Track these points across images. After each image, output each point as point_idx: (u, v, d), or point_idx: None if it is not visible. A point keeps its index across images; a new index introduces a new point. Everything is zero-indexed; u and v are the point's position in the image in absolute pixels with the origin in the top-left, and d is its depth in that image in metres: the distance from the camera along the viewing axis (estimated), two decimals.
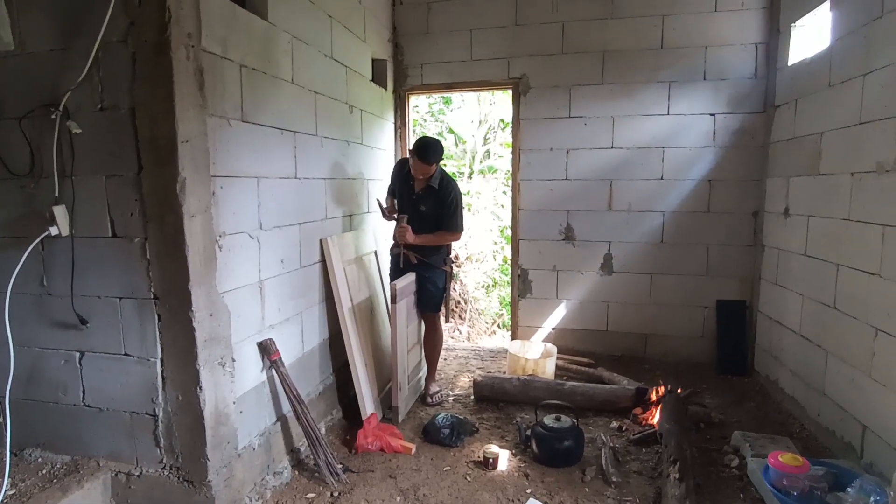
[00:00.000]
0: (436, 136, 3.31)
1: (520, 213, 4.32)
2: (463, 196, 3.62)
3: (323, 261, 3.09)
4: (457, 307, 5.57)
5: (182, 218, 1.96)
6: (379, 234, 3.94)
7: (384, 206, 3.49)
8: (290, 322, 2.76)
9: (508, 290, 6.57)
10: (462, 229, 3.46)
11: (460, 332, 5.36)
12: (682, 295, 4.08)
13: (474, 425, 3.17)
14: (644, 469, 2.73)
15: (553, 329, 4.35)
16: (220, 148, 2.16)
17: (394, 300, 3.13)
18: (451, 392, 3.74)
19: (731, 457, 2.78)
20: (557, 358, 3.88)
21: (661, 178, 4.03)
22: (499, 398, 3.51)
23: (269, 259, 2.54)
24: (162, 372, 2.11)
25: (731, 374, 3.91)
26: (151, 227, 2.01)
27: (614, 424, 3.20)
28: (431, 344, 3.62)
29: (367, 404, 3.11)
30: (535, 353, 3.98)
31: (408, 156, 3.49)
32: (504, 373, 4.02)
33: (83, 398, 2.21)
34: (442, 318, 3.70)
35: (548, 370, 3.69)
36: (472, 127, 8.45)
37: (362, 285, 3.47)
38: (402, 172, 3.43)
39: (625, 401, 3.34)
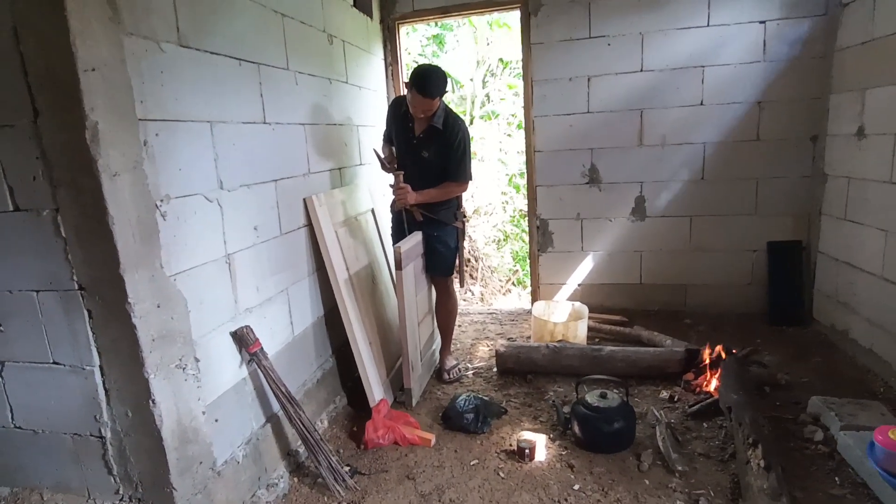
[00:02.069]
0: (437, 65, 2.70)
1: (535, 155, 3.75)
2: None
3: (309, 224, 2.57)
4: (468, 265, 5.07)
5: (100, 178, 1.42)
6: (375, 189, 3.39)
7: (383, 156, 2.91)
8: (274, 302, 2.26)
9: (521, 244, 6.07)
10: (470, 178, 2.92)
11: (473, 293, 4.89)
12: (726, 238, 3.56)
13: (501, 405, 2.72)
14: (711, 450, 2.28)
15: (579, 285, 3.86)
16: (150, 81, 1.60)
17: (398, 266, 2.62)
18: (469, 365, 3.29)
19: (812, 428, 2.33)
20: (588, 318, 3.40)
21: (701, 104, 3.43)
22: (526, 370, 3.05)
23: (238, 226, 2.02)
24: (103, 383, 1.62)
25: (786, 324, 3.43)
26: (62, 193, 1.48)
27: (664, 394, 2.75)
28: (445, 312, 3.14)
29: (375, 389, 2.65)
30: (563, 315, 3.50)
31: (404, 92, 2.90)
32: (528, 339, 3.56)
33: (12, 419, 1.74)
34: (456, 283, 3.21)
35: (579, 334, 3.22)
36: (470, 69, 7.73)
37: (360, 250, 2.95)
38: (398, 113, 2.85)
39: (673, 365, 2.87)
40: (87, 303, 1.56)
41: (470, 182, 2.95)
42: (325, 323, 2.75)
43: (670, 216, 3.62)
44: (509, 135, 6.68)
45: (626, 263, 3.75)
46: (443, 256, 2.97)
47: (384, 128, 3.03)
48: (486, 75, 8.10)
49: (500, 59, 8.24)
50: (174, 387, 1.65)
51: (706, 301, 3.66)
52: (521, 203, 6.06)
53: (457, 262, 3.08)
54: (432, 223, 2.91)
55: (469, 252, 5.12)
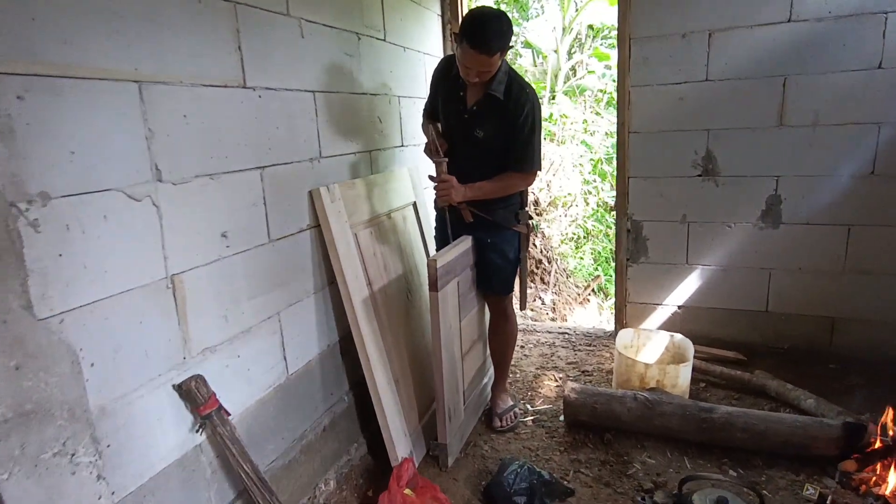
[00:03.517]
0: (499, 9, 1.95)
1: (629, 137, 2.89)
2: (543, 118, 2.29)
3: (318, 225, 1.94)
4: (538, 268, 4.29)
5: None
6: (420, 177, 2.71)
7: (433, 132, 2.17)
8: (255, 334, 1.66)
9: (604, 243, 5.15)
10: (539, 167, 2.17)
11: (543, 302, 4.12)
12: None
13: (566, 481, 1.99)
14: None
15: (679, 307, 2.99)
16: (2, 11, 1.00)
17: (433, 285, 1.95)
18: (529, 407, 2.57)
19: None
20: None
21: (879, 67, 2.42)
22: (604, 425, 2.28)
23: (192, 234, 1.42)
24: None
25: None
26: None
27: (810, 492, 1.89)
28: (501, 340, 2.43)
29: (398, 445, 2.01)
30: (657, 349, 2.67)
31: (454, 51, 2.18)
32: (608, 376, 2.77)
33: None
34: (516, 302, 2.49)
35: (680, 382, 2.39)
36: (554, 38, 6.81)
37: (391, 258, 2.30)
38: (446, 77, 2.15)
39: (824, 445, 1.99)
40: None
41: (537, 172, 2.21)
42: (341, 351, 2.13)
43: (817, 224, 2.64)
44: (597, 112, 5.74)
45: (748, 284, 2.82)
46: (499, 270, 2.26)
47: (428, 97, 2.34)
48: (572, 46, 7.15)
49: (590, 26, 7.25)
50: (49, 489, 1.08)
51: (864, 342, 2.66)
52: (607, 194, 5.16)
53: (518, 276, 2.37)
54: (486, 226, 2.20)
55: (541, 252, 4.33)
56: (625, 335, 2.69)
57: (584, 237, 4.83)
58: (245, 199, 1.60)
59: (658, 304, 3.02)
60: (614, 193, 5.31)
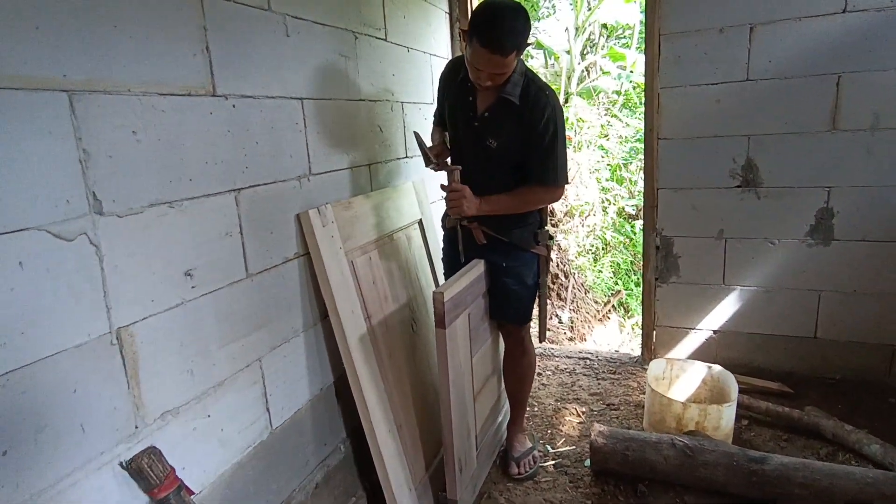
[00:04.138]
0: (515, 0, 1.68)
1: (659, 143, 2.61)
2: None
3: (308, 253, 1.68)
4: (554, 283, 4.01)
5: None
6: (426, 191, 2.45)
7: (428, 144, 1.95)
8: (228, 388, 1.40)
9: (624, 255, 4.84)
10: (566, 180, 1.89)
11: (560, 321, 3.83)
12: None
13: None
14: None
15: (714, 332, 2.69)
16: None
17: (440, 322, 1.68)
18: (549, 448, 2.29)
19: None
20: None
21: None
22: (637, 474, 2.00)
23: (145, 276, 1.16)
24: None
25: None
26: None
27: None
28: (517, 375, 2.15)
29: (402, 502, 1.74)
30: (692, 382, 2.38)
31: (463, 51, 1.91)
32: (637, 410, 2.48)
33: None
34: (534, 330, 2.22)
35: (723, 424, 2.09)
36: (567, 38, 6.53)
37: (394, 285, 2.03)
38: (454, 81, 1.88)
39: None
40: None
41: (564, 186, 1.93)
42: (336, 393, 1.87)
43: (876, 241, 2.34)
44: (614, 115, 5.45)
45: (794, 307, 2.52)
46: (516, 298, 1.99)
47: (436, 104, 2.08)
48: (585, 46, 6.87)
49: (604, 25, 6.97)
50: None
51: None
52: (626, 202, 4.86)
53: (536, 302, 2.09)
54: (501, 248, 1.93)
55: (558, 266, 4.04)
56: (656, 367, 2.39)
57: (602, 248, 4.54)
58: (215, 228, 1.34)
59: (690, 329, 2.73)
60: (634, 202, 5.04)
